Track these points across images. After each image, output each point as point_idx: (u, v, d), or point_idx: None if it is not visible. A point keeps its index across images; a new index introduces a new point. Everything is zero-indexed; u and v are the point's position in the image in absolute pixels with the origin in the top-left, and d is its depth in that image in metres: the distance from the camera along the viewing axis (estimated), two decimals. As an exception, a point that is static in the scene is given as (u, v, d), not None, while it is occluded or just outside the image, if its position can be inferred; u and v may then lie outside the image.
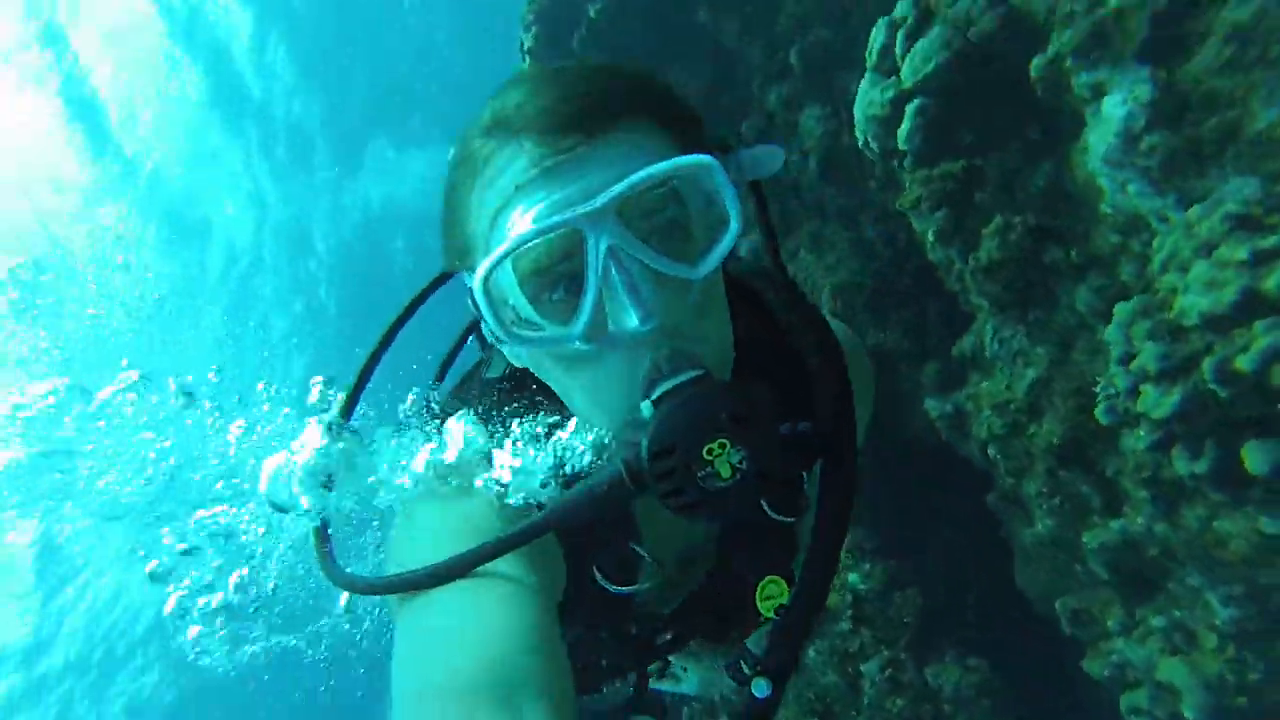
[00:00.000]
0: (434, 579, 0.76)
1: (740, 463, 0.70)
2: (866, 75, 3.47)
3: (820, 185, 4.80)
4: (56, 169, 12.63)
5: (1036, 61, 2.87)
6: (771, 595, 1.00)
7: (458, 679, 0.63)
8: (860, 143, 3.64)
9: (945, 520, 4.93)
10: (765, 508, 0.98)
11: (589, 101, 0.74)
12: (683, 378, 0.73)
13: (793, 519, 1.00)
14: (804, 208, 5.06)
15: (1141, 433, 2.76)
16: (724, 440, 0.69)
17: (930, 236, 3.93)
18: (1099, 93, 2.69)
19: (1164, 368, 2.53)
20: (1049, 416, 3.79)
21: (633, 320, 0.70)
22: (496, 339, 0.88)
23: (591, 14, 5.08)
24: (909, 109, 3.24)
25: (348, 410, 1.06)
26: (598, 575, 0.96)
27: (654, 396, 0.73)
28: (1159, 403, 2.58)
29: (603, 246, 0.70)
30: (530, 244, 0.71)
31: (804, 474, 1.02)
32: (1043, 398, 3.82)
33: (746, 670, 1.17)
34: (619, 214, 0.71)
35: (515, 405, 0.91)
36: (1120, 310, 2.73)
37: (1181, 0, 2.47)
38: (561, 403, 0.88)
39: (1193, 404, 2.50)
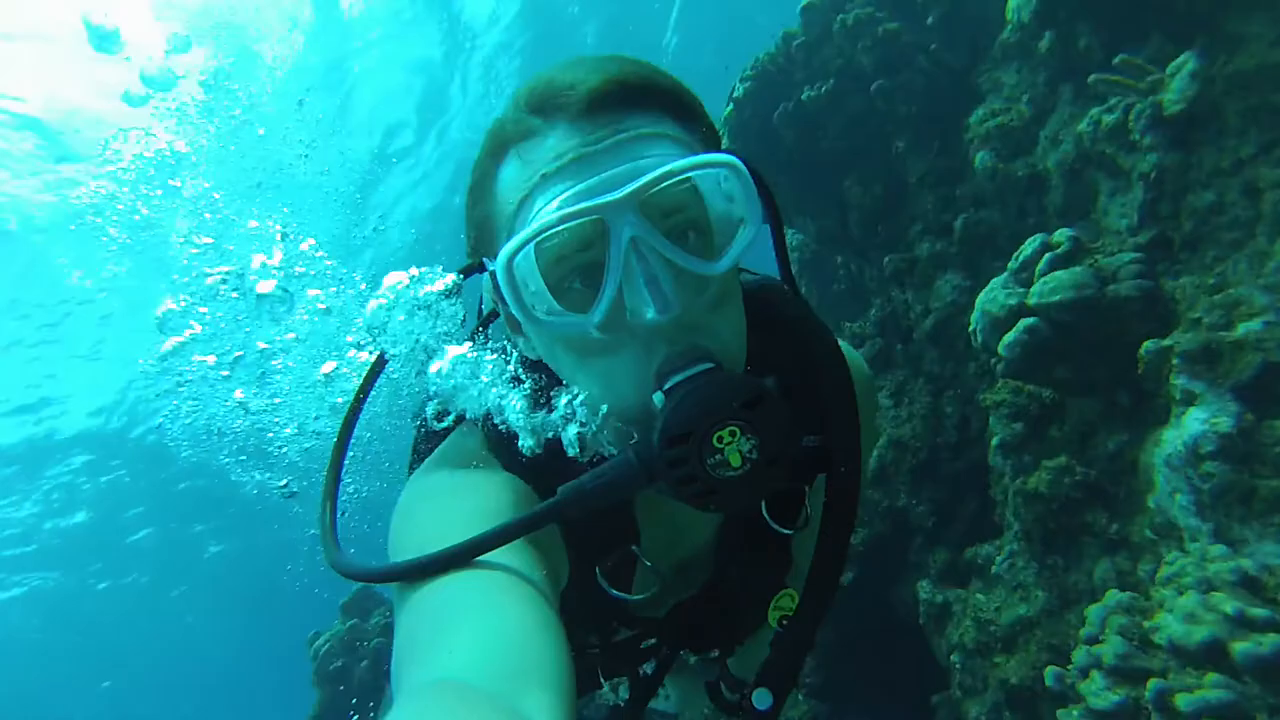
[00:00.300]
0: (441, 565, 0.73)
1: (750, 452, 0.69)
2: (1002, 275, 3.62)
3: (927, 343, 4.93)
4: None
5: (1149, 345, 2.96)
6: (783, 608, 1.01)
7: (458, 665, 0.59)
8: (971, 328, 3.78)
9: (887, 694, 4.95)
10: (767, 518, 0.97)
11: (622, 93, 0.75)
12: (695, 370, 0.73)
13: (792, 532, 0.99)
14: (905, 356, 5.19)
15: (1075, 713, 2.81)
16: (735, 428, 0.69)
17: (996, 440, 4.02)
18: (1189, 400, 2.77)
19: (1118, 666, 2.59)
20: (1018, 656, 3.81)
21: (651, 312, 0.71)
22: (512, 327, 0.91)
23: (803, 96, 5.40)
24: (1022, 322, 3.37)
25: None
26: (599, 576, 0.95)
27: (666, 388, 0.73)
28: (1100, 695, 2.64)
29: (625, 237, 0.71)
30: (554, 231, 0.72)
31: (806, 488, 1.00)
32: (1022, 636, 3.85)
33: (726, 693, 1.21)
34: (641, 207, 0.71)
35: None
36: (1109, 596, 2.80)
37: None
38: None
39: (1127, 712, 2.55)
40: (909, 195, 5.17)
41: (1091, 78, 3.68)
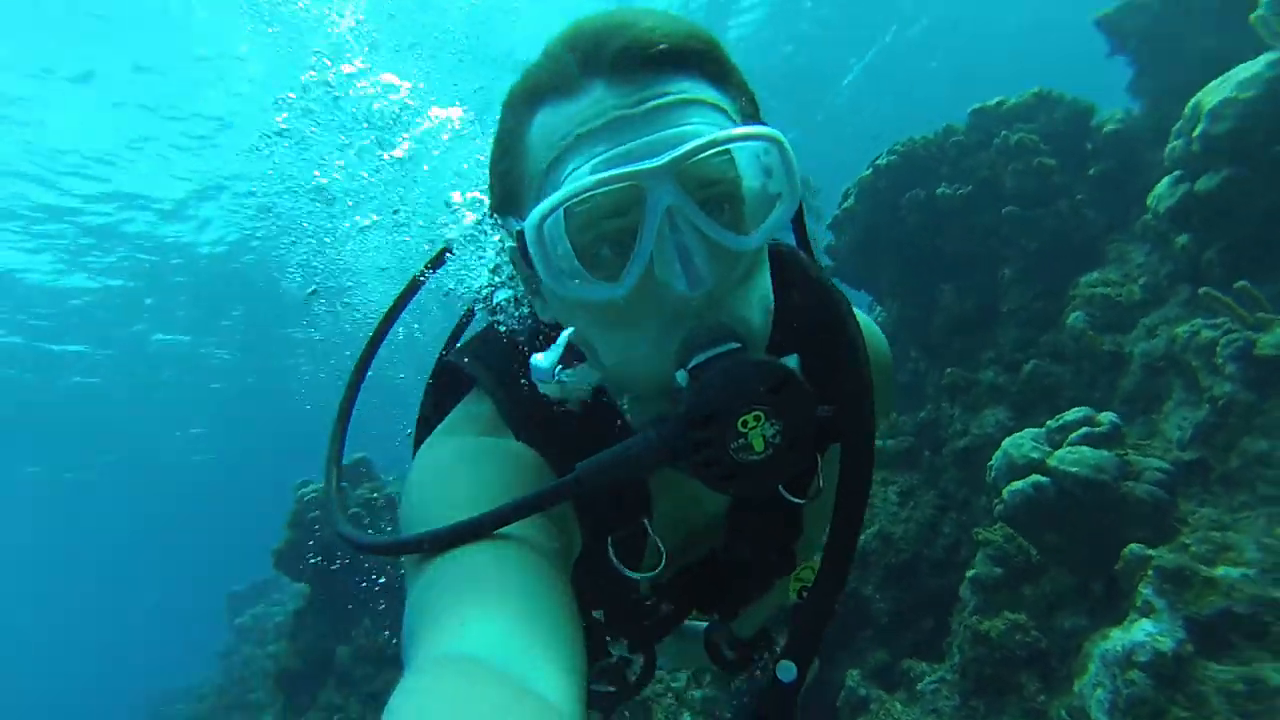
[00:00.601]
0: (455, 539, 0.72)
1: (774, 437, 0.68)
2: (1038, 430, 3.75)
3: (952, 462, 5.05)
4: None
5: (1134, 548, 3.09)
6: (803, 579, 1.01)
7: (468, 640, 0.59)
8: (990, 463, 3.93)
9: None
10: (780, 488, 0.95)
11: (666, 54, 0.71)
12: (721, 349, 0.71)
13: (803, 501, 0.98)
14: (929, 464, 5.32)
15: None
16: (760, 412, 0.68)
17: (973, 574, 4.16)
18: (1147, 611, 2.90)
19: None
20: (901, 776, 3.98)
21: (682, 285, 0.69)
22: (530, 289, 0.89)
23: (939, 190, 5.53)
24: (1033, 477, 3.52)
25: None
26: (611, 553, 0.92)
27: (690, 365, 0.71)
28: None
29: (662, 206, 0.68)
30: (589, 195, 0.70)
31: (818, 458, 0.99)
32: (914, 758, 4.01)
33: (726, 652, 1.24)
34: (680, 176, 0.69)
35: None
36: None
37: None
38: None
39: None
40: (996, 321, 5.27)
41: (1202, 290, 3.74)
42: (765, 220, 0.76)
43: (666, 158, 0.68)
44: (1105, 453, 3.41)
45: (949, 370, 5.20)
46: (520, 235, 0.76)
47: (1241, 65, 3.94)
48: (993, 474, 3.85)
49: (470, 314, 1.20)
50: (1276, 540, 2.91)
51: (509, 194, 0.82)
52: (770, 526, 1.04)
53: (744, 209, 0.77)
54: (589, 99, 0.72)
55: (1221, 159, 3.93)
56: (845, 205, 6.20)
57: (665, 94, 0.71)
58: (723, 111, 0.74)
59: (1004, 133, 5.35)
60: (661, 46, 0.71)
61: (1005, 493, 3.62)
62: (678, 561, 1.08)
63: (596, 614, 1.09)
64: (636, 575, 0.93)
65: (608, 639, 1.18)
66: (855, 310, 0.99)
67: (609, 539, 0.92)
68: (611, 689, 1.28)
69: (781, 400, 0.69)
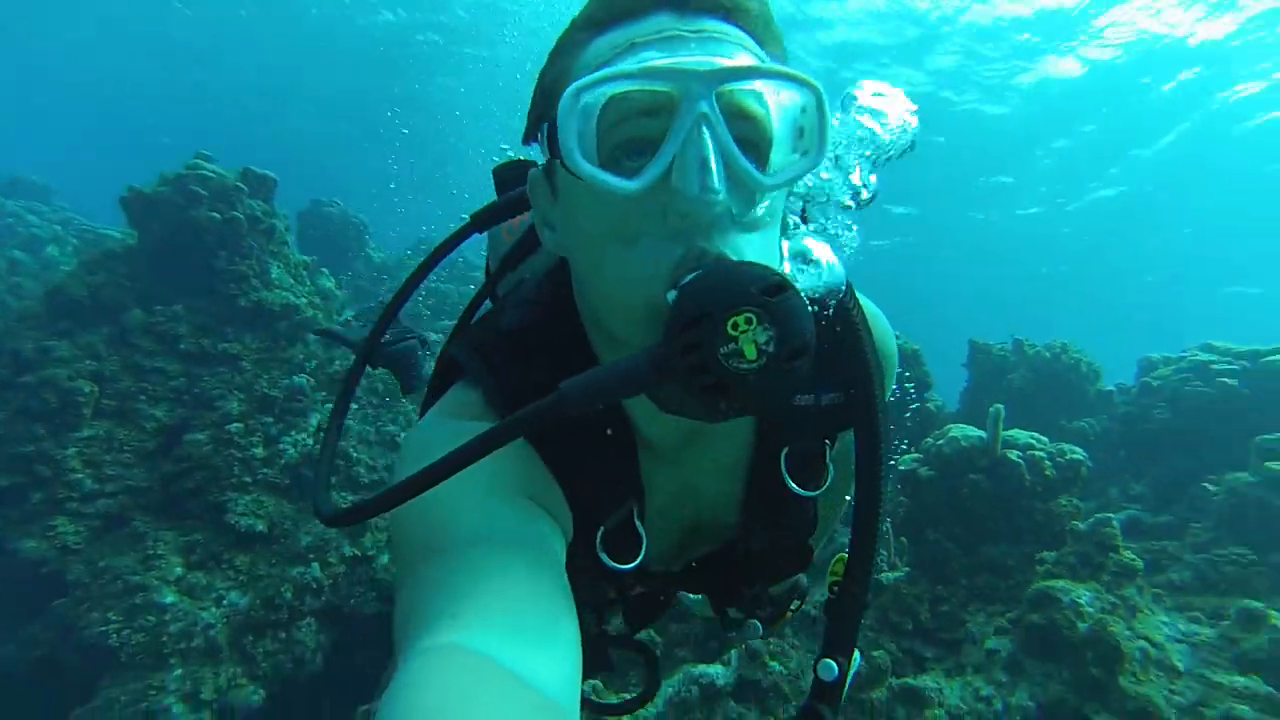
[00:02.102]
0: (429, 481, 0.67)
1: (767, 344, 0.62)
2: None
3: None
4: None
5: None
6: (836, 573, 0.98)
7: (463, 630, 0.57)
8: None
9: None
10: (787, 479, 0.95)
11: (729, 5, 0.74)
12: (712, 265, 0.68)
13: (814, 494, 0.97)
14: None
15: None
16: (751, 314, 0.62)
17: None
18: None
19: None
20: None
21: (695, 187, 0.65)
22: (543, 221, 0.86)
23: (1015, 381, 5.69)
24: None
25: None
26: (598, 545, 0.90)
27: (681, 284, 0.67)
28: None
29: (696, 111, 0.66)
30: (631, 78, 0.68)
31: (827, 447, 0.98)
32: None
33: (734, 612, 1.24)
34: (719, 93, 0.68)
35: (514, 358, 0.88)
36: None
37: None
38: (557, 362, 0.83)
39: None
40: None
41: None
42: (787, 169, 0.74)
43: (711, 67, 0.67)
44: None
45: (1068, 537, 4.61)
46: (549, 132, 0.75)
47: None
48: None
49: (474, 307, 1.23)
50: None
51: (551, 94, 0.77)
52: (784, 519, 1.03)
53: (770, 156, 0.76)
54: (650, 23, 0.73)
55: None
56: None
57: (725, 35, 0.73)
58: (774, 61, 0.77)
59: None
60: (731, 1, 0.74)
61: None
62: (679, 558, 1.10)
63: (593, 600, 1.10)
64: (619, 567, 0.90)
65: (605, 616, 1.17)
66: (860, 295, 0.99)
67: (599, 529, 0.91)
68: (617, 702, 1.28)
69: (776, 305, 0.64)
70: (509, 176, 1.19)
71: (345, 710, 4.87)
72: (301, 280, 6.95)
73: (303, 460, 5.91)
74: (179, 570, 4.96)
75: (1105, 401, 7.23)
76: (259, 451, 5.67)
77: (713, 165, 0.66)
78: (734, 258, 0.69)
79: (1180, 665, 3.79)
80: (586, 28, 0.78)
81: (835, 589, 0.96)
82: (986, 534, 4.33)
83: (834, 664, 0.90)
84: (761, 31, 0.77)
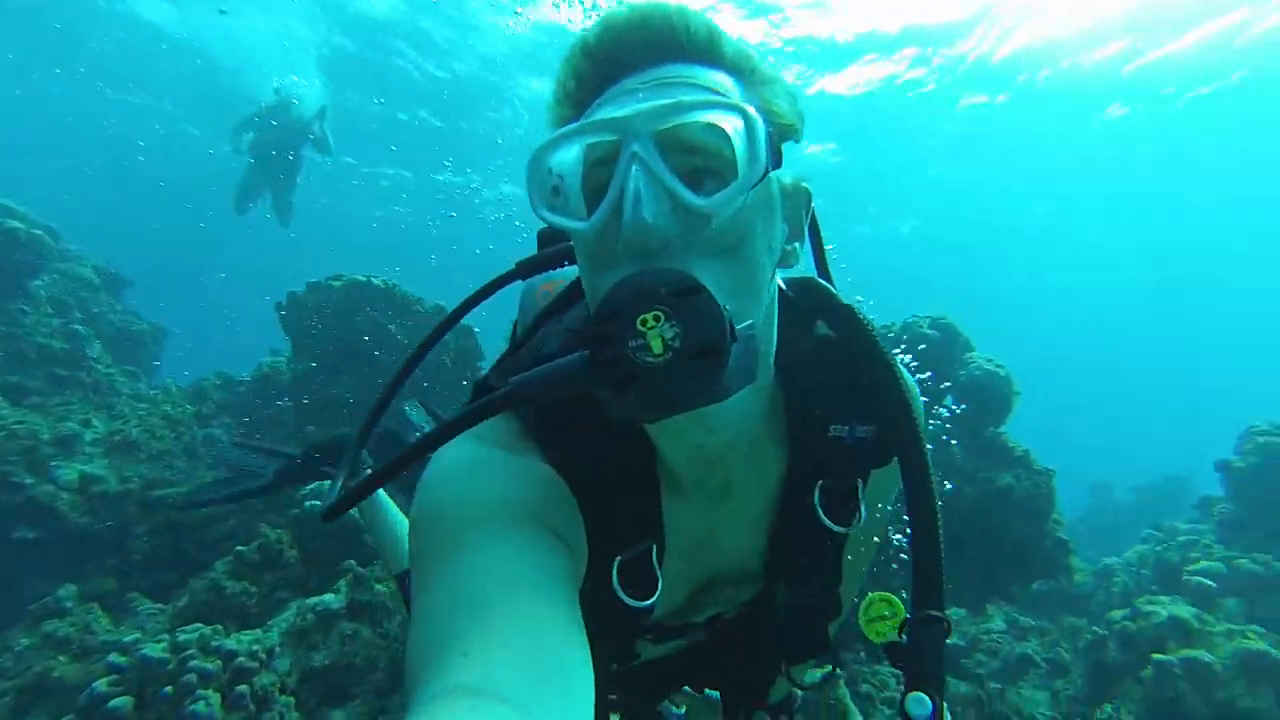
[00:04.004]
0: (413, 453, 0.76)
1: (673, 340, 0.67)
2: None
3: None
4: None
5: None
6: (882, 615, 0.93)
7: (473, 671, 0.57)
8: None
9: None
10: (819, 512, 0.94)
11: (667, 43, 0.79)
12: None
13: (847, 529, 0.96)
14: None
15: None
16: (660, 312, 0.67)
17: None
18: None
19: None
20: None
21: (628, 217, 0.70)
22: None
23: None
24: None
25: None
26: (614, 578, 0.89)
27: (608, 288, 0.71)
28: None
29: (629, 151, 0.72)
30: (575, 140, 0.76)
31: (860, 484, 0.97)
32: None
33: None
34: (654, 133, 0.72)
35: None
36: None
37: None
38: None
39: None
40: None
41: None
42: (728, 190, 0.74)
43: (632, 110, 0.73)
44: None
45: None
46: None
47: None
48: None
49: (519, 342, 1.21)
50: None
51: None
52: (811, 562, 1.01)
53: (726, 184, 0.77)
54: (616, 89, 0.80)
55: None
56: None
57: (675, 75, 0.78)
58: (719, 91, 0.78)
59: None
60: (682, 45, 0.79)
61: None
62: (697, 607, 1.05)
63: (612, 660, 1.04)
64: (634, 604, 0.90)
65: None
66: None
67: (615, 561, 0.90)
68: None
69: (683, 304, 0.67)
70: (549, 236, 1.23)
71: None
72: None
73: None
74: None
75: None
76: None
77: (643, 197, 0.71)
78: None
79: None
80: (570, 105, 0.85)
81: (903, 630, 0.90)
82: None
83: (926, 698, 0.82)
84: (723, 60, 0.82)
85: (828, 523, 0.94)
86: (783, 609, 1.03)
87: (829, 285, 1.01)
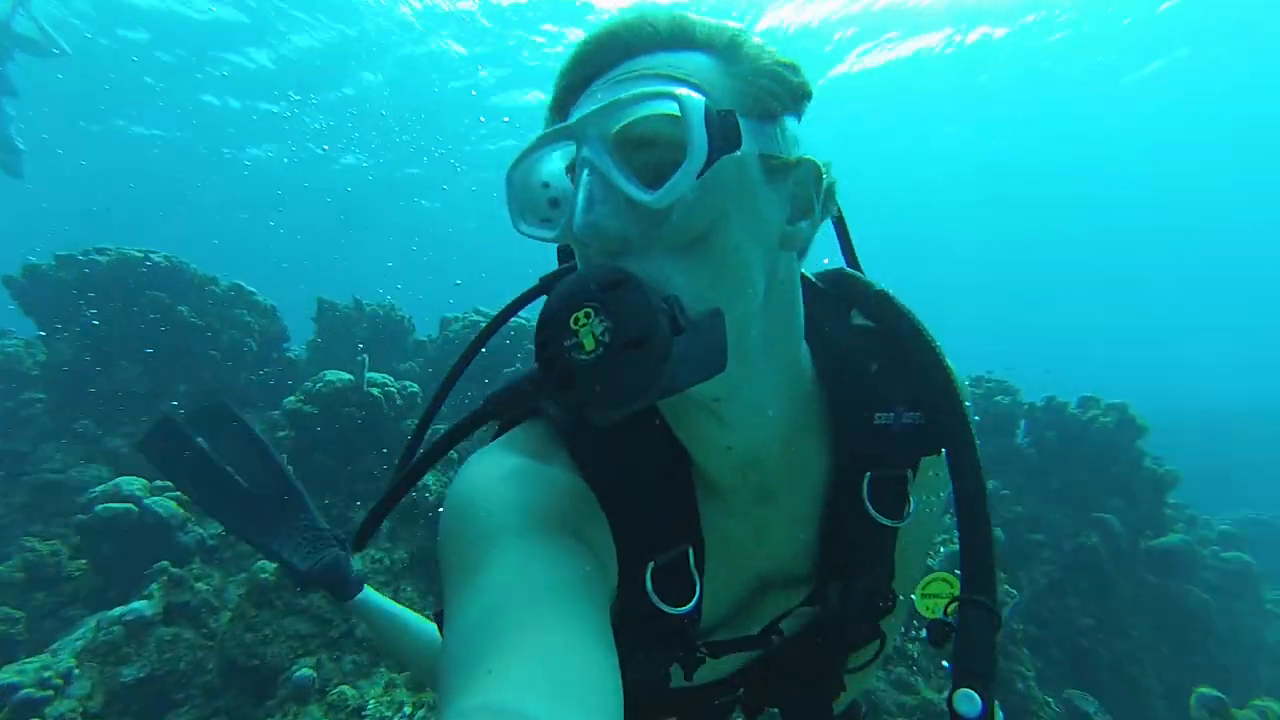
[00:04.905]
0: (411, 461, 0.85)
1: (603, 335, 0.65)
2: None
3: None
4: None
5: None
6: (937, 594, 0.91)
7: (499, 688, 0.56)
8: None
9: None
10: (869, 505, 0.92)
11: (629, 40, 0.77)
12: None
13: (898, 523, 0.93)
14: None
15: None
16: (590, 308, 0.66)
17: None
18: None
19: None
20: None
21: (579, 222, 0.70)
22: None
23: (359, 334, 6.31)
24: None
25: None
26: (647, 581, 0.86)
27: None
28: None
29: (581, 156, 0.72)
30: (534, 154, 0.77)
31: (909, 474, 0.94)
32: None
33: None
34: (608, 138, 0.72)
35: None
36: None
37: None
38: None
39: None
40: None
41: None
42: (676, 182, 0.70)
43: (576, 115, 0.73)
44: None
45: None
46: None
47: None
48: None
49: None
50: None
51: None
52: (863, 559, 0.98)
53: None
54: (586, 93, 0.78)
55: None
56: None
57: (634, 70, 0.75)
58: (676, 77, 0.75)
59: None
60: (630, 30, 0.77)
61: None
62: (746, 619, 1.01)
63: (650, 677, 0.98)
64: (669, 610, 0.86)
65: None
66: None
67: (648, 567, 0.86)
68: None
69: (610, 297, 0.66)
70: (566, 249, 1.16)
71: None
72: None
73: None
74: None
75: (420, 348, 8.13)
76: None
77: (595, 199, 0.71)
78: (647, 276, 0.70)
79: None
80: (559, 115, 0.82)
81: (948, 610, 0.87)
82: (358, 453, 5.36)
83: (975, 694, 0.78)
84: (692, 41, 0.78)
85: (877, 516, 0.92)
86: (836, 607, 0.99)
87: (859, 273, 0.99)
